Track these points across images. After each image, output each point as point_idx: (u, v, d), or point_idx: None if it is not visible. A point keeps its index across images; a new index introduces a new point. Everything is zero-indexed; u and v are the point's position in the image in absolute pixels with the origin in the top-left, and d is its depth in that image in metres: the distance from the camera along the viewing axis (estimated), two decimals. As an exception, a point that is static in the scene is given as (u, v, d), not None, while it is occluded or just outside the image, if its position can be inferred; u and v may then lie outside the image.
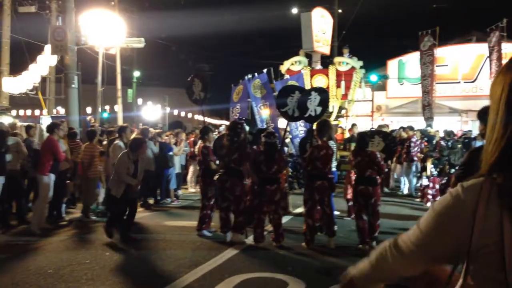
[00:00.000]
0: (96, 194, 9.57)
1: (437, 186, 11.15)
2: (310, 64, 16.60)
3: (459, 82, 22.12)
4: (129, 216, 7.71)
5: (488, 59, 17.02)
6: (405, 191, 12.77)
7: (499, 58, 15.96)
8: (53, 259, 6.39)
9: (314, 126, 7.73)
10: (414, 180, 12.84)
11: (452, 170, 11.06)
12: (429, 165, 11.22)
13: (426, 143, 12.06)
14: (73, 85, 12.97)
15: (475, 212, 1.08)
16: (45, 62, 15.91)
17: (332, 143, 8.05)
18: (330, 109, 14.83)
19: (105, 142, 9.94)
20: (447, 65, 21.97)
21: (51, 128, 8.56)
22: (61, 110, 19.63)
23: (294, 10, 23.06)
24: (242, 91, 12.43)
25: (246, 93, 12.29)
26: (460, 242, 1.10)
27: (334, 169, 8.17)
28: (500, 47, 15.93)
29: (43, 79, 17.93)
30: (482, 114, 3.99)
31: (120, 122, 20.13)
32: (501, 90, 1.16)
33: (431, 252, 1.17)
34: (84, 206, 9.32)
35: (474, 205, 1.09)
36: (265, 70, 12.10)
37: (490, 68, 16.57)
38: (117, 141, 8.78)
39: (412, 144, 12.30)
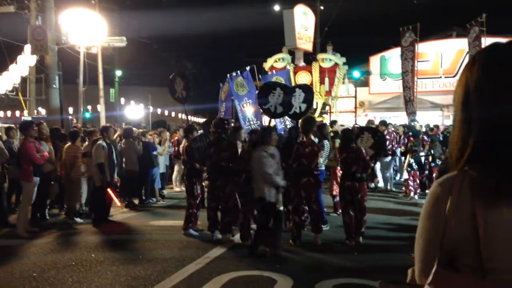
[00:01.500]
0: (79, 195, 9.46)
1: (418, 180, 11.33)
2: (293, 61, 16.63)
3: (440, 77, 22.38)
4: None
5: (468, 55, 17.24)
6: (381, 186, 12.83)
7: (479, 53, 16.17)
8: (37, 262, 6.30)
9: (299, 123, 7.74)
10: (392, 175, 12.98)
11: (433, 164, 11.22)
12: (410, 159, 11.35)
13: (411, 138, 12.15)
14: (54, 86, 12.81)
15: (448, 205, 1.11)
16: (25, 62, 15.64)
17: (326, 143, 8.07)
18: (314, 106, 14.87)
19: (87, 143, 9.82)
20: (428, 61, 22.20)
21: (23, 128, 8.28)
22: (42, 111, 19.35)
23: (277, 8, 23.06)
24: (228, 89, 12.41)
25: (230, 92, 12.27)
26: (445, 236, 1.12)
27: (323, 167, 8.16)
28: (480, 42, 16.12)
29: (23, 80, 17.65)
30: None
31: (102, 122, 19.92)
32: (463, 88, 1.18)
33: (436, 252, 1.15)
34: (68, 207, 9.21)
35: (447, 199, 1.12)
36: (248, 68, 12.08)
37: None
38: (99, 141, 8.68)
39: (388, 141, 12.36)
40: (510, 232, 1.05)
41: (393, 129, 12.81)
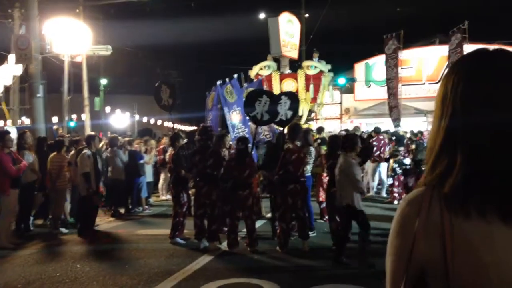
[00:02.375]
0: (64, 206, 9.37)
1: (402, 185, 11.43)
2: (279, 68, 16.70)
3: (424, 84, 22.64)
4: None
5: (450, 61, 17.49)
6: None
7: (461, 59, 16.41)
8: (22, 273, 6.21)
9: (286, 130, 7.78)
10: (376, 181, 13.09)
11: (418, 170, 11.32)
12: (393, 164, 11.46)
13: (393, 143, 12.27)
14: (38, 95, 12.70)
15: (416, 224, 1.07)
16: (8, 71, 15.49)
17: (311, 149, 8.10)
18: (300, 113, 14.92)
19: (72, 152, 9.74)
20: (412, 67, 22.46)
21: None
22: (26, 121, 19.15)
23: (262, 16, 23.17)
24: (214, 98, 12.38)
25: (217, 100, 12.25)
26: (413, 256, 1.08)
27: (309, 173, 8.18)
28: (462, 49, 16.36)
29: (7, 89, 17.45)
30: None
31: (87, 131, 19.74)
32: (441, 97, 1.13)
33: (403, 273, 1.11)
34: (53, 218, 9.10)
35: (416, 218, 1.07)
36: (235, 76, 12.09)
37: (450, 70, 17.01)
38: (85, 151, 8.61)
39: (376, 147, 12.46)
40: (478, 250, 1.00)
41: (382, 136, 12.88)
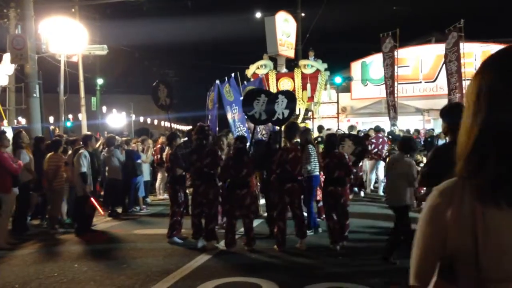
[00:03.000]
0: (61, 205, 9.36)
1: None
2: (275, 67, 16.71)
3: (420, 82, 22.68)
4: None
5: (447, 60, 17.52)
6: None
7: (458, 58, 16.46)
8: (19, 273, 6.20)
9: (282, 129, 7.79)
10: (373, 179, 13.13)
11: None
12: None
13: (389, 142, 12.31)
14: (34, 95, 12.66)
15: (449, 214, 1.11)
16: (4, 71, 15.46)
17: (311, 148, 8.12)
18: (297, 112, 14.93)
19: (70, 152, 9.72)
20: (408, 66, 22.49)
21: None
22: (22, 121, 19.11)
23: (258, 15, 23.18)
24: (213, 97, 12.38)
25: (216, 99, 12.25)
26: (445, 245, 1.12)
27: (316, 173, 8.20)
28: (458, 47, 16.39)
29: (3, 89, 17.38)
30: (445, 113, 4.10)
31: (84, 130, 19.72)
32: (475, 93, 1.14)
33: (434, 260, 1.14)
34: (50, 217, 9.09)
35: (448, 208, 1.11)
36: (232, 75, 12.10)
37: (447, 69, 17.05)
38: (81, 150, 8.60)
39: (374, 144, 12.52)
40: (507, 239, 1.04)
41: (381, 134, 12.92)
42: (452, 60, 16.76)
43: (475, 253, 1.06)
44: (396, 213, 6.49)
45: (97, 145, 10.64)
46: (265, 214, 9.56)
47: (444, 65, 17.99)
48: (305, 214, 8.06)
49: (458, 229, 1.09)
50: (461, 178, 1.14)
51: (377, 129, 13.20)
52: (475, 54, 20.72)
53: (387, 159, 11.58)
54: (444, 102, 14.54)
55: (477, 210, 1.08)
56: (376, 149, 12.49)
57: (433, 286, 1.11)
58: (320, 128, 13.93)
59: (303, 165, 8.00)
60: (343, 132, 12.51)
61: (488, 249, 1.05)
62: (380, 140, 12.71)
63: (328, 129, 14.12)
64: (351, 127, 14.32)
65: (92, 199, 8.62)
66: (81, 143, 9.27)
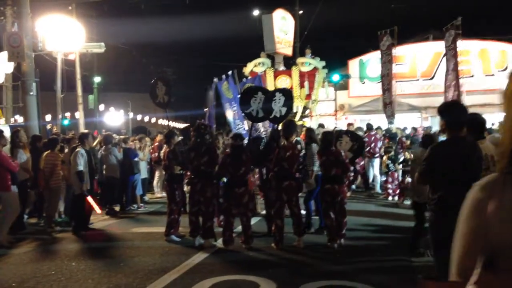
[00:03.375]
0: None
1: (396, 181, 11.45)
2: (273, 65, 16.69)
3: (418, 80, 22.67)
4: None
5: (445, 57, 17.51)
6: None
7: (455, 55, 16.46)
8: (16, 272, 6.19)
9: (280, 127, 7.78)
10: (371, 177, 13.14)
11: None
12: (386, 161, 11.49)
13: (387, 140, 12.31)
14: (31, 93, 12.61)
15: (490, 208, 1.11)
16: (1, 69, 15.41)
17: (314, 146, 8.12)
18: (295, 110, 14.93)
19: (66, 150, 9.70)
20: (406, 64, 22.47)
21: None
22: (19, 119, 19.05)
23: (256, 13, 23.15)
24: (212, 96, 12.34)
25: (214, 97, 12.20)
26: (487, 238, 1.12)
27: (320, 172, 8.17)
28: (455, 45, 16.39)
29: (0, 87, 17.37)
30: (443, 110, 4.11)
31: (81, 129, 19.69)
32: None
33: (477, 253, 1.16)
34: (47, 216, 9.07)
35: (489, 202, 1.12)
36: (230, 72, 12.07)
37: (447, 67, 17.05)
38: (78, 149, 8.57)
39: (366, 143, 12.51)
40: None
41: (374, 132, 12.95)
42: (450, 58, 16.77)
43: None
44: (419, 209, 6.51)
45: (95, 144, 10.63)
46: (263, 212, 9.57)
47: (441, 62, 18.00)
48: (303, 212, 8.08)
49: (499, 223, 1.10)
50: (503, 173, 1.15)
51: (369, 127, 13.24)
52: (472, 51, 20.72)
53: (384, 157, 11.64)
54: (441, 99, 14.55)
55: None
56: (368, 147, 12.51)
57: (477, 278, 1.12)
58: (320, 127, 13.93)
59: (307, 166, 8.01)
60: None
61: None
62: (373, 138, 12.74)
63: (320, 125, 14.12)
64: (349, 126, 14.30)
65: (89, 197, 8.60)
66: (78, 141, 9.23)
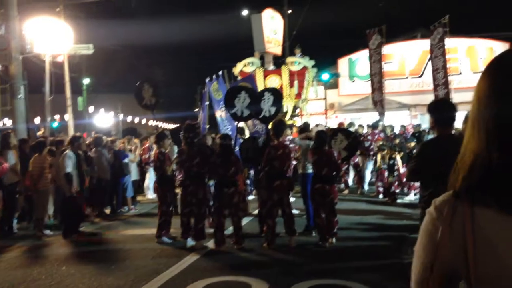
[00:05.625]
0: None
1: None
2: (263, 65, 16.69)
3: (406, 78, 22.78)
4: None
5: (432, 55, 17.62)
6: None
7: (443, 53, 16.56)
8: (6, 277, 6.12)
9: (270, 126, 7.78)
10: (368, 175, 13.13)
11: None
12: (379, 159, 11.51)
13: (380, 138, 12.28)
14: (19, 96, 12.51)
15: (442, 229, 1.09)
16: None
17: (309, 143, 8.11)
18: (285, 109, 14.94)
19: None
20: (394, 62, 22.58)
21: None
22: (8, 122, 18.89)
23: (245, 13, 23.13)
24: (203, 96, 12.30)
25: (205, 98, 12.17)
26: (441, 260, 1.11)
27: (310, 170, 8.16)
28: (443, 43, 16.50)
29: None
30: (432, 108, 4.13)
31: (71, 131, 19.53)
32: (489, 91, 1.10)
33: (433, 273, 1.14)
34: (36, 220, 8.98)
35: (442, 223, 1.10)
36: (220, 73, 12.04)
37: (433, 65, 17.16)
38: (66, 151, 8.49)
39: (369, 141, 12.53)
40: (499, 250, 1.01)
41: (377, 131, 12.91)
42: (438, 56, 16.86)
43: (467, 269, 1.05)
44: None
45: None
46: (255, 212, 9.57)
47: (430, 60, 18.09)
48: (296, 211, 8.08)
49: (450, 244, 1.08)
50: (454, 192, 1.11)
51: (374, 125, 13.23)
52: (459, 49, 20.88)
53: (378, 155, 11.64)
54: (430, 97, 14.61)
55: (466, 223, 1.06)
56: (372, 146, 12.50)
57: None
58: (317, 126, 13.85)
59: (303, 162, 8.05)
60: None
61: (480, 264, 1.03)
62: (376, 136, 12.72)
63: (317, 125, 14.09)
64: (350, 124, 14.27)
65: (78, 200, 8.53)
66: (68, 143, 9.14)
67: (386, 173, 11.40)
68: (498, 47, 20.33)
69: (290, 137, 10.00)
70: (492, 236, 1.03)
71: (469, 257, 1.04)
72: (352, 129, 12.75)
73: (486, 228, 1.03)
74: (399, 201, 11.06)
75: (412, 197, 11.03)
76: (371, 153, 12.49)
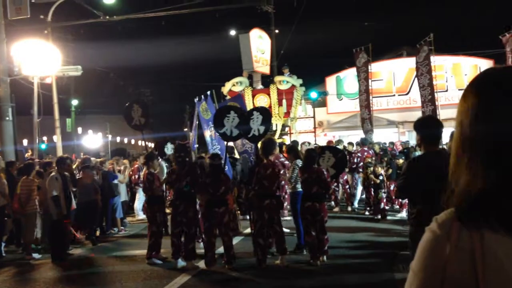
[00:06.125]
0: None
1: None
2: (251, 84, 16.80)
3: (394, 95, 23.06)
4: None
5: (418, 73, 17.90)
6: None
7: (429, 71, 16.84)
8: (-7, 303, 6.03)
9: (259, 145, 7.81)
10: (359, 192, 13.12)
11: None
12: (368, 176, 11.56)
13: (369, 155, 12.33)
14: (7, 118, 12.46)
15: (450, 248, 1.05)
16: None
17: (299, 162, 8.13)
18: (274, 128, 15.00)
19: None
20: (382, 80, 22.87)
21: None
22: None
23: (233, 33, 23.36)
24: (194, 116, 12.32)
25: (195, 117, 12.19)
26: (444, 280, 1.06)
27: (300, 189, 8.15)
28: (429, 61, 16.79)
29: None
30: (418, 126, 4.20)
31: (59, 152, 19.39)
32: (482, 108, 1.08)
33: None
34: (25, 243, 8.87)
35: (449, 241, 1.05)
36: (208, 93, 12.10)
37: (419, 82, 17.43)
38: (53, 173, 8.42)
39: (359, 158, 12.58)
40: (507, 269, 0.99)
41: (367, 148, 12.98)
42: (424, 73, 17.13)
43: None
44: None
45: (74, 166, 10.47)
46: (247, 231, 9.54)
47: (416, 78, 18.36)
48: (286, 230, 8.07)
49: (457, 264, 1.04)
50: (456, 212, 1.08)
51: (364, 142, 13.34)
52: (445, 66, 21.22)
53: (368, 172, 11.67)
54: (417, 114, 14.80)
55: (475, 242, 1.02)
56: (361, 163, 12.55)
57: None
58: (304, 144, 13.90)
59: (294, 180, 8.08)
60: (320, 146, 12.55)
61: (490, 283, 1.00)
62: (365, 153, 12.76)
63: (303, 143, 14.14)
64: (338, 141, 14.34)
65: (66, 223, 8.44)
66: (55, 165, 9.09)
67: (372, 191, 11.43)
68: (483, 64, 20.69)
69: (282, 158, 9.99)
70: (502, 257, 1.00)
71: (479, 278, 1.00)
72: (340, 146, 12.80)
73: (495, 249, 1.01)
74: (389, 218, 11.09)
75: (404, 214, 11.05)
76: (360, 170, 12.53)
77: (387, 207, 11.46)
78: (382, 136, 19.74)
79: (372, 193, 11.37)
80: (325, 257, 7.25)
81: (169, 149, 10.02)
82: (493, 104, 1.07)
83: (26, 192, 8.75)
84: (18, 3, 14.20)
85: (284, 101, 15.59)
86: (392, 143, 15.24)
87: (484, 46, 21.30)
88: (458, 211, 1.07)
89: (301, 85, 16.27)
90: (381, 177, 11.30)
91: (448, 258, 1.05)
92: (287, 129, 17.41)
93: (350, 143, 14.17)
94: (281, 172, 7.94)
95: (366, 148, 12.93)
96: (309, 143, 14.21)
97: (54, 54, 17.68)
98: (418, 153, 10.14)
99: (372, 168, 11.43)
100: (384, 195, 11.30)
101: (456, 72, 21.61)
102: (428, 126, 4.24)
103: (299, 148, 10.97)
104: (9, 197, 8.72)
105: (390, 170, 11.44)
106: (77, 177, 10.09)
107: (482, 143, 1.06)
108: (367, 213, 11.67)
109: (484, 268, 1.01)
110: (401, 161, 11.12)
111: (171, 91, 43.11)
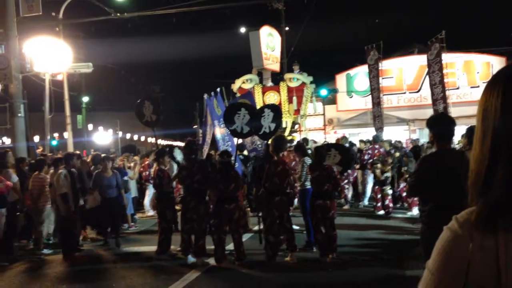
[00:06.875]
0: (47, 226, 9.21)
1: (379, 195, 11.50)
2: (261, 81, 16.77)
3: (404, 93, 22.94)
4: None
5: (429, 70, 17.76)
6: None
7: (441, 68, 16.72)
8: (5, 297, 6.09)
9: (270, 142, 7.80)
10: (369, 189, 13.06)
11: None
12: (377, 174, 11.51)
13: (379, 153, 12.25)
14: (19, 114, 12.55)
15: (473, 247, 1.04)
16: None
17: (307, 159, 8.12)
18: (284, 125, 14.96)
19: (52, 171, 9.58)
20: (392, 77, 22.76)
21: None
22: (7, 140, 18.91)
23: (243, 30, 23.34)
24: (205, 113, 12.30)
25: (204, 115, 12.18)
26: (465, 278, 1.05)
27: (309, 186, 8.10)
28: (440, 58, 16.68)
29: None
30: (431, 123, 4.16)
31: (70, 149, 19.55)
32: (484, 113, 1.08)
33: None
34: (36, 238, 8.95)
35: (472, 241, 1.04)
36: (218, 89, 12.09)
37: (430, 80, 17.30)
38: (61, 170, 8.46)
39: (370, 155, 12.53)
40: None
41: (378, 145, 12.89)
42: (435, 71, 17.01)
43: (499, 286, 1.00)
44: None
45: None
46: (255, 228, 9.53)
47: (427, 75, 18.24)
48: (296, 227, 8.06)
49: (480, 262, 1.03)
50: (477, 212, 1.07)
51: (376, 139, 13.26)
52: (457, 64, 21.05)
53: (376, 170, 11.63)
54: (428, 112, 14.69)
55: (500, 240, 1.02)
56: (371, 160, 12.50)
57: None
58: (313, 142, 13.87)
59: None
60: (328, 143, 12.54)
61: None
62: (376, 151, 12.70)
63: (311, 141, 14.12)
64: (343, 138, 14.28)
65: (75, 218, 8.49)
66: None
67: (376, 187, 11.46)
68: (495, 61, 20.49)
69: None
70: None
71: (502, 278, 1.00)
72: (346, 143, 12.76)
73: None
74: (399, 215, 11.04)
75: (415, 212, 10.96)
76: (369, 167, 12.48)
77: (391, 205, 11.40)
78: (392, 133, 19.64)
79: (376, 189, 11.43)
80: (334, 254, 7.23)
81: (177, 154, 10.09)
82: None
83: (38, 187, 8.82)
84: (31, 0, 14.28)
85: (294, 99, 15.53)
86: (399, 142, 15.10)
87: (496, 44, 21.12)
88: (481, 210, 1.05)
89: (311, 83, 16.19)
90: (386, 174, 11.27)
91: (471, 258, 1.04)
92: (297, 126, 17.35)
93: (362, 141, 14.10)
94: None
95: (377, 146, 12.84)
96: (314, 142, 14.19)
97: (65, 51, 17.81)
98: (429, 151, 10.07)
99: (378, 165, 11.40)
100: (390, 192, 11.27)
101: (468, 70, 21.43)
102: (441, 123, 4.19)
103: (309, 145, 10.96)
104: (21, 192, 8.78)
105: (404, 168, 11.40)
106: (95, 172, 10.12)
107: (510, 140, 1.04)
108: (381, 212, 11.59)
109: (507, 268, 1.00)
110: (411, 159, 11.07)
111: (181, 88, 43.24)
